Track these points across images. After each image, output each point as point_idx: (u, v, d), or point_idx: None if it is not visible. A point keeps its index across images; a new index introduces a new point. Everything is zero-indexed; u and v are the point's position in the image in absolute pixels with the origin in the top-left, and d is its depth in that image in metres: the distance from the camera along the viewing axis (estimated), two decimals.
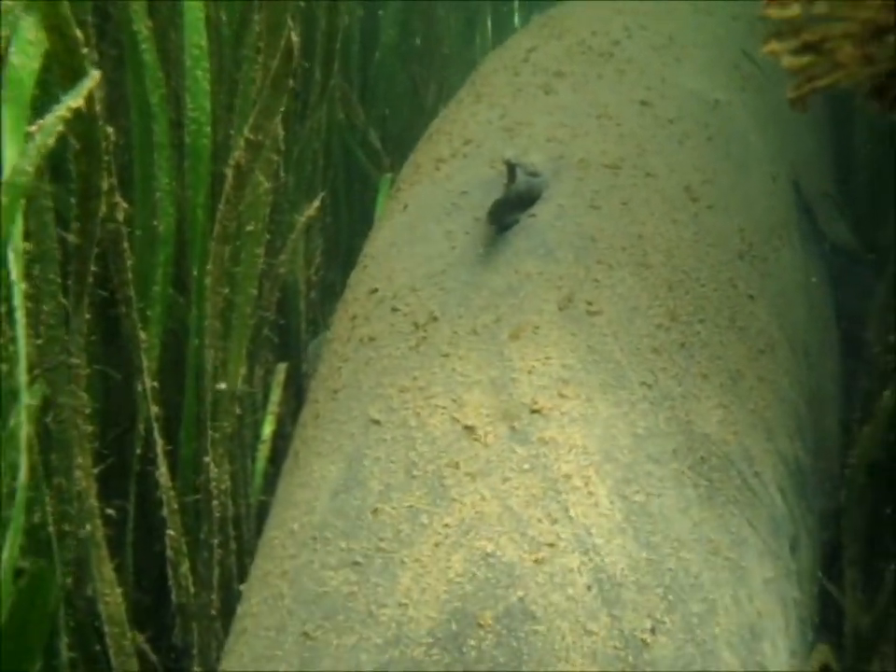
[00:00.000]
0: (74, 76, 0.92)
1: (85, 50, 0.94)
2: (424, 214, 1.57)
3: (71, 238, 0.96)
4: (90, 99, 0.90)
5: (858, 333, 2.13)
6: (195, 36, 1.17)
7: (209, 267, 1.17)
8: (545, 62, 1.98)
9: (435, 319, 1.30)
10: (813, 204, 2.19)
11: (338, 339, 1.46)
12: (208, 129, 1.20)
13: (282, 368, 1.60)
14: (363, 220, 2.48)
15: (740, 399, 1.27)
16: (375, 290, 1.47)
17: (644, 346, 1.25)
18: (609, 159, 1.58)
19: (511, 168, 1.38)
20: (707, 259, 1.44)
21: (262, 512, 1.44)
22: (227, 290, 1.22)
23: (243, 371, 1.27)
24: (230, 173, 1.15)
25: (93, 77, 0.91)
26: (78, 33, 0.92)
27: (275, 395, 1.47)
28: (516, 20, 3.85)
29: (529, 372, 1.17)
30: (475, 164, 1.65)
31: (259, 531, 1.38)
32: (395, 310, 1.37)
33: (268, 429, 1.44)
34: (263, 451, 1.43)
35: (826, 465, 1.61)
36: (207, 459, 1.22)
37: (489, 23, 3.65)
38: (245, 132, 1.14)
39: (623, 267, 1.36)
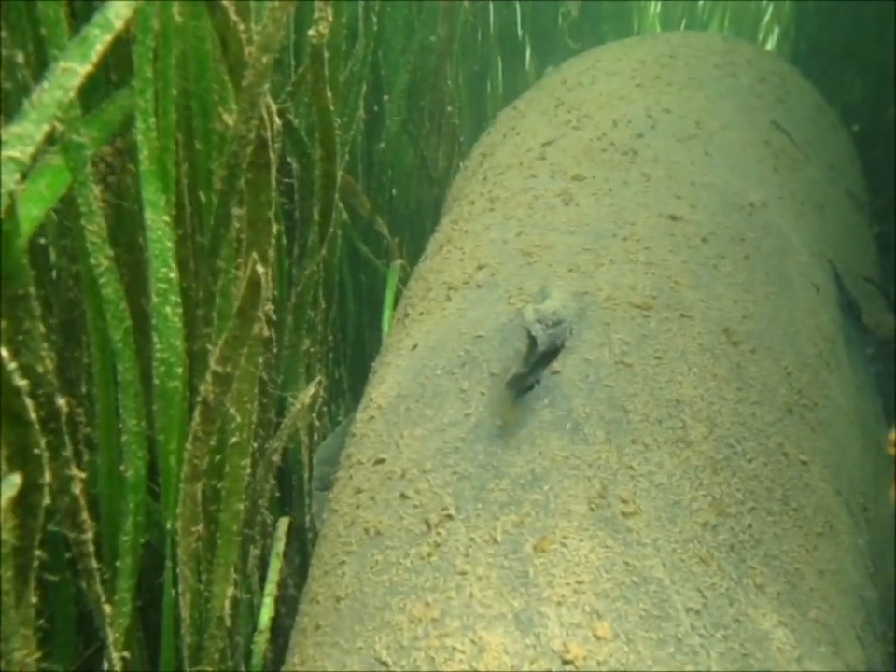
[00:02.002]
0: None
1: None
2: (435, 362, 1.42)
3: (6, 537, 0.82)
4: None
5: None
6: (163, 269, 1.02)
7: (179, 510, 1.03)
8: (563, 161, 1.82)
9: (450, 518, 1.15)
10: (856, 296, 2.02)
11: (341, 514, 1.31)
12: (179, 370, 1.06)
13: (283, 524, 1.45)
14: (371, 312, 2.34)
15: (801, 609, 1.12)
16: (382, 461, 1.32)
17: (689, 556, 1.09)
18: (638, 296, 1.43)
19: (532, 339, 1.22)
20: (754, 424, 1.29)
21: None
22: (211, 511, 1.08)
23: (230, 592, 1.13)
24: (197, 409, 1.01)
25: (13, 483, 0.77)
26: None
27: (274, 571, 1.33)
28: (527, 62, 3.69)
29: (559, 604, 1.02)
30: (490, 298, 1.49)
31: None
32: (404, 497, 1.22)
33: (265, 616, 1.30)
34: (261, 643, 1.29)
35: (890, 620, 1.45)
36: None
37: (500, 70, 3.50)
38: (212, 364, 1.00)
39: (660, 447, 1.20)
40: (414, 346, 1.51)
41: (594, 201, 1.66)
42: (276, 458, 1.30)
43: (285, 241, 1.44)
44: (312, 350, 1.53)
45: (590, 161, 1.80)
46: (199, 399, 1.02)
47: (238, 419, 1.08)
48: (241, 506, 1.14)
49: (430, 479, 1.22)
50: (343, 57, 1.48)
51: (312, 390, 1.31)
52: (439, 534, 1.14)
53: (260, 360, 1.19)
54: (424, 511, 1.18)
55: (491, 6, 3.08)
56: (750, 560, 1.12)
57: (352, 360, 2.24)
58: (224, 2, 0.96)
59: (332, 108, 1.30)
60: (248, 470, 1.13)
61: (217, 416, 1.02)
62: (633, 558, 1.07)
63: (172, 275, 1.03)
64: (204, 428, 1.02)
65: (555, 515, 1.12)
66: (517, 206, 1.71)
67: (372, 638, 1.07)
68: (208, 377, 1.00)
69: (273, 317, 1.22)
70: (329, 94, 1.28)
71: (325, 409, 1.72)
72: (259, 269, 0.93)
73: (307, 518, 1.55)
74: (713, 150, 1.89)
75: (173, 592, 1.09)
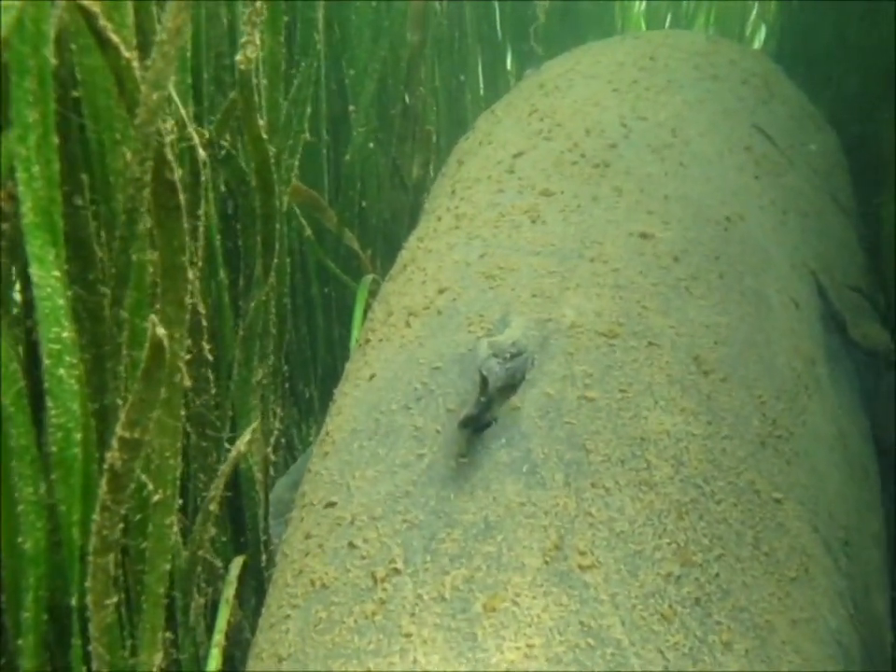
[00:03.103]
0: None
1: None
2: (391, 395, 1.35)
3: None
4: None
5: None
6: (54, 329, 0.94)
7: (90, 584, 0.95)
8: (532, 174, 1.74)
9: (397, 571, 1.09)
10: (841, 308, 1.95)
11: (290, 561, 1.24)
12: (78, 436, 0.98)
13: (235, 567, 1.39)
14: (343, 327, 2.27)
15: (771, 665, 1.05)
16: (333, 504, 1.25)
17: (650, 613, 1.02)
18: (604, 323, 1.35)
19: (484, 379, 1.15)
20: (724, 461, 1.22)
21: None
22: (136, 571, 1.02)
23: (159, 658, 1.06)
24: (104, 477, 0.93)
25: None
26: None
27: (222, 619, 1.26)
28: (508, 63, 3.61)
29: None
30: (450, 326, 1.42)
31: None
32: (352, 546, 1.15)
33: (212, 669, 1.22)
34: None
35: (879, 657, 1.38)
36: None
37: (480, 72, 3.41)
38: (119, 430, 0.92)
39: (622, 490, 1.13)
40: (372, 376, 1.44)
41: (561, 218, 1.59)
42: (214, 507, 1.23)
43: (226, 273, 1.37)
44: (265, 382, 1.46)
45: (559, 174, 1.72)
46: (106, 466, 0.94)
47: (159, 477, 1.01)
48: (167, 566, 1.06)
49: (379, 527, 1.15)
50: (284, 77, 1.40)
51: (247, 437, 1.24)
52: (385, 590, 1.07)
53: (198, 402, 1.12)
54: (371, 564, 1.11)
55: (467, 6, 3.00)
56: (717, 614, 1.05)
57: (323, 379, 2.17)
58: (115, 39, 0.89)
59: (265, 137, 1.22)
60: (175, 529, 1.06)
61: (126, 484, 0.95)
62: (589, 617, 1.00)
63: (65, 335, 0.95)
64: (114, 497, 0.95)
65: (508, 569, 1.05)
66: (482, 224, 1.64)
67: None
68: (115, 443, 0.93)
69: (209, 357, 1.15)
70: (262, 122, 1.20)
71: (283, 440, 1.65)
72: (160, 331, 0.86)
73: (263, 558, 1.48)
74: (689, 160, 1.81)
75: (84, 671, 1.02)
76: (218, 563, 1.32)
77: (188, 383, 1.03)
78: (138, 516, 1.04)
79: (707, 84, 2.25)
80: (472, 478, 1.16)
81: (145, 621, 1.06)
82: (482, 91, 3.44)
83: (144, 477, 1.00)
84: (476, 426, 1.20)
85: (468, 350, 1.35)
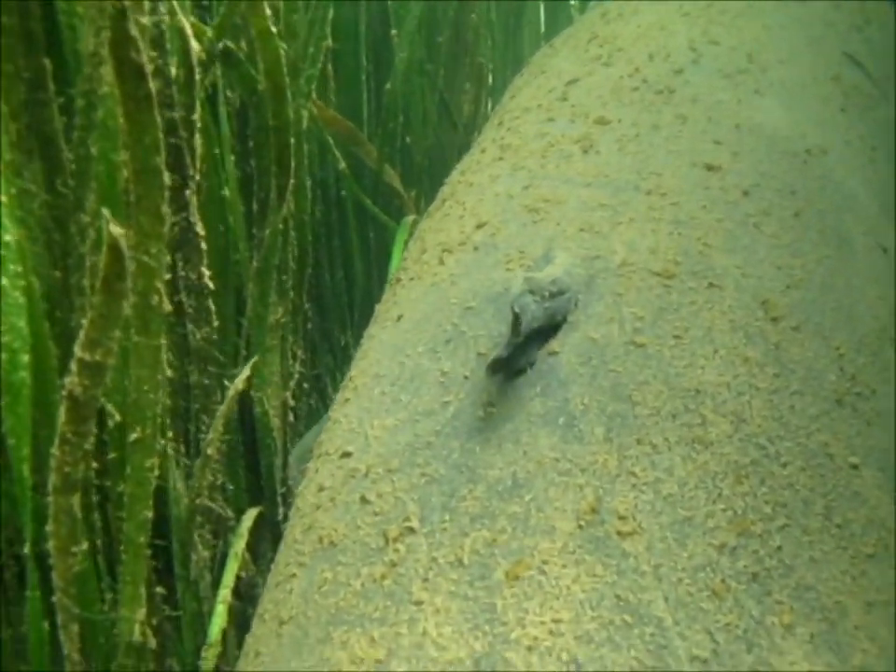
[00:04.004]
0: None
1: None
2: (418, 337, 1.22)
3: None
4: None
5: None
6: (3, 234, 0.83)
7: (52, 528, 0.85)
8: (587, 102, 1.58)
9: (411, 531, 0.96)
10: None
11: (301, 515, 1.13)
12: (26, 357, 0.87)
13: (248, 519, 1.29)
14: (381, 272, 2.15)
15: (841, 654, 0.90)
16: (348, 454, 1.13)
17: (699, 588, 0.88)
18: (659, 261, 1.20)
19: (516, 317, 1.01)
20: (793, 419, 1.06)
21: None
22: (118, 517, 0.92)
23: (142, 614, 0.96)
24: (63, 405, 0.82)
25: None
26: None
27: (230, 573, 1.16)
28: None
29: (529, 649, 0.83)
30: (487, 263, 1.28)
31: None
32: (364, 501, 1.03)
33: (216, 628, 1.12)
34: (210, 658, 1.12)
35: None
36: None
37: (541, 6, 3.22)
38: (77, 350, 0.80)
39: (671, 449, 0.99)
40: (399, 317, 1.31)
41: (617, 148, 1.43)
42: (213, 452, 1.13)
43: (238, 197, 1.25)
44: (284, 321, 1.34)
45: (617, 101, 1.55)
46: (64, 393, 0.84)
47: (137, 413, 0.90)
48: (148, 513, 0.96)
49: (395, 480, 1.03)
50: None
51: (246, 373, 1.13)
52: (396, 551, 0.95)
53: (199, 335, 1.00)
54: (383, 521, 0.99)
55: None
56: (777, 593, 0.91)
57: (359, 325, 2.06)
58: None
59: (274, 31, 1.08)
60: (156, 472, 0.95)
61: (88, 414, 0.84)
62: (627, 590, 0.87)
63: (7, 238, 0.84)
64: (75, 429, 0.84)
65: (535, 533, 0.92)
66: (529, 155, 1.49)
67: None
68: (73, 367, 0.82)
69: (210, 285, 1.04)
70: (277, 21, 1.06)
71: (307, 386, 1.54)
72: (116, 230, 0.73)
73: (280, 510, 1.38)
74: (765, 88, 1.62)
75: (46, 626, 0.92)
76: (230, 513, 1.22)
77: (168, 307, 0.91)
78: (113, 455, 0.94)
79: (792, 9, 2.04)
80: (501, 429, 1.03)
81: (125, 572, 0.96)
82: (542, 28, 3.25)
83: (112, 407, 0.89)
84: (508, 371, 1.07)
85: (504, 289, 1.22)
